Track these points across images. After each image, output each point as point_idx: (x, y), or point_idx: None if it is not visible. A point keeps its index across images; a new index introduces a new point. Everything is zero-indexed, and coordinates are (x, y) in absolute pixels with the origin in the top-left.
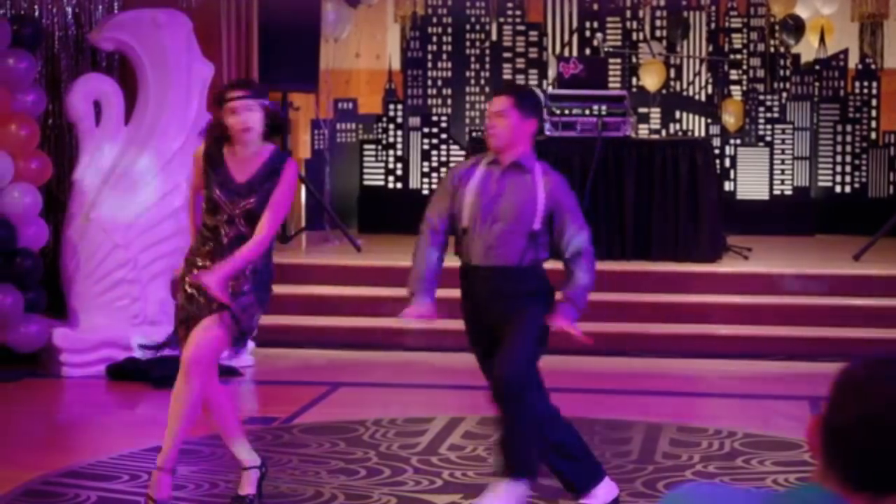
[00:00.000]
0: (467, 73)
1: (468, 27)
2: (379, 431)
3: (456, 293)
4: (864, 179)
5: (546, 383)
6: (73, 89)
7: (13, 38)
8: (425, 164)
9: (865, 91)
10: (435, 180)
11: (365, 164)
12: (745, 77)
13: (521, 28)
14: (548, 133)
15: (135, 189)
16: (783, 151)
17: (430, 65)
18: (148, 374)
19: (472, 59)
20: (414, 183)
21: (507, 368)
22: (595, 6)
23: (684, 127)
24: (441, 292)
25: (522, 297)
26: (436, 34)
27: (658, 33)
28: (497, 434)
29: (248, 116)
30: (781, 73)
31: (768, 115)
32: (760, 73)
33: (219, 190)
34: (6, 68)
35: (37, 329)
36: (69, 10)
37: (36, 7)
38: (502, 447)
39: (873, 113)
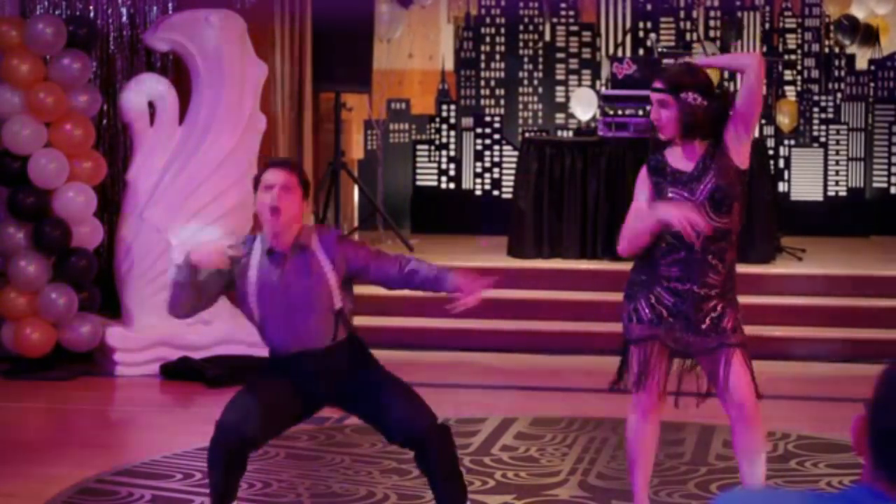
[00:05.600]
0: (520, 74)
1: (521, 27)
2: None
3: (508, 293)
4: None
5: (600, 384)
6: (128, 89)
7: (68, 39)
8: (478, 164)
9: None
10: (488, 181)
11: (418, 165)
12: (799, 77)
13: (575, 28)
14: (601, 134)
15: (188, 189)
16: (837, 152)
17: (483, 65)
18: (202, 373)
19: (526, 59)
20: (467, 183)
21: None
22: (649, 7)
23: None
24: (493, 293)
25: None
26: (489, 34)
27: (712, 34)
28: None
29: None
30: (836, 73)
31: (823, 115)
32: (815, 74)
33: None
34: (61, 68)
35: (91, 328)
36: (124, 10)
37: (91, 8)
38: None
39: None
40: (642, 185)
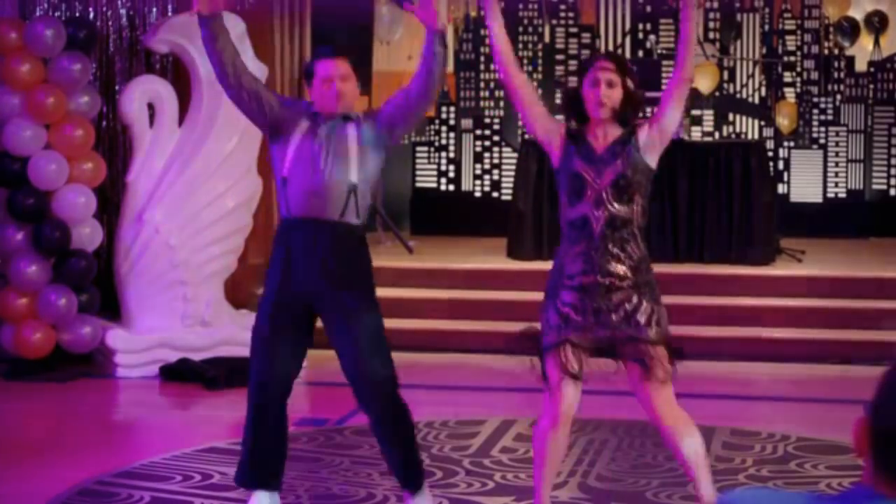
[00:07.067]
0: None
1: (521, 29)
2: (431, 433)
3: (508, 295)
4: None
5: (599, 386)
6: (127, 91)
7: (68, 41)
8: (477, 166)
9: None
10: (487, 182)
11: (417, 167)
12: (798, 79)
13: (574, 30)
14: None
15: (188, 190)
16: (837, 154)
17: (482, 67)
18: (201, 375)
19: (525, 60)
20: (466, 185)
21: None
22: (648, 8)
23: (738, 129)
24: (493, 294)
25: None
26: (488, 36)
27: (711, 35)
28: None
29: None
30: (835, 75)
31: (822, 117)
32: (814, 76)
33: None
34: (61, 70)
35: (90, 330)
36: (123, 12)
37: (90, 10)
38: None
39: None
40: (555, 124)
